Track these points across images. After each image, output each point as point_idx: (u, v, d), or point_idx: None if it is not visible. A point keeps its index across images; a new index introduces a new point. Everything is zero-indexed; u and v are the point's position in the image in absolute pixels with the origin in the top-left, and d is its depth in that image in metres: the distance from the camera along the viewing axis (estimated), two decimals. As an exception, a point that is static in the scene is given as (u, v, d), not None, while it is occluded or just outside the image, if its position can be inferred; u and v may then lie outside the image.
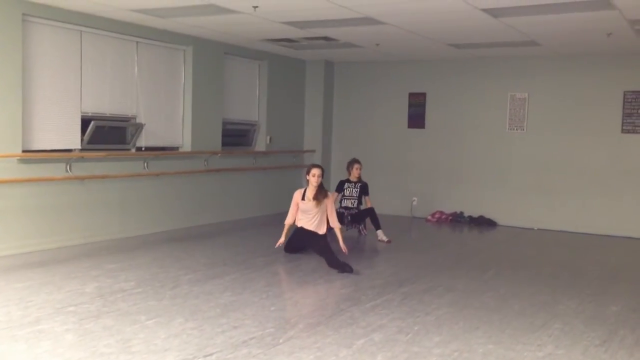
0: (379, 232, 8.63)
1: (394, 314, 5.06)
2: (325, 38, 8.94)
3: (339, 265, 6.52)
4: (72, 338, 4.28)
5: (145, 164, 8.45)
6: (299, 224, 7.31)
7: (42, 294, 5.37)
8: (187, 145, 9.22)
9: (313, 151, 11.62)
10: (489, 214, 10.45)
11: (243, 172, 10.27)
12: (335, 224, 7.31)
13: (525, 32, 7.96)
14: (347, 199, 8.95)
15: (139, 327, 4.54)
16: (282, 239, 7.39)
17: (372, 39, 8.91)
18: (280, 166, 11.09)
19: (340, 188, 9.02)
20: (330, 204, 7.31)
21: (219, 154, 9.69)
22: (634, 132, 9.48)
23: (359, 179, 9.00)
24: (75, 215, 7.59)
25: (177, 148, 9.18)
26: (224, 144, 9.89)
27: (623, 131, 9.56)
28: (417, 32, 8.26)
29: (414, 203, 11.11)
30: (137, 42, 8.38)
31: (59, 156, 7.37)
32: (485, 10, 6.75)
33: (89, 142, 7.80)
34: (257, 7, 6.87)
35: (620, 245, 8.95)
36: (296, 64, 11.37)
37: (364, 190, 8.95)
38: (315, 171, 7.23)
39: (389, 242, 8.48)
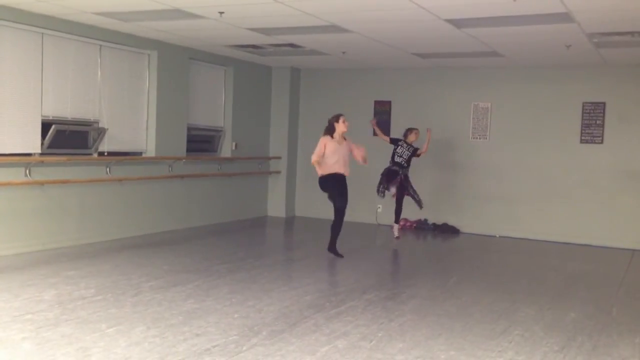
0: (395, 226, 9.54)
1: (357, 321, 5.07)
2: (291, 45, 8.95)
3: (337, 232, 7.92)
4: (29, 347, 4.18)
5: (108, 169, 8.32)
6: (331, 170, 7.76)
7: (-1, 301, 5.24)
8: (150, 151, 9.11)
9: (279, 158, 11.61)
10: (452, 221, 10.57)
11: (208, 178, 10.20)
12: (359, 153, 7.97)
13: (488, 43, 8.10)
14: (398, 155, 9.41)
15: (98, 335, 4.46)
16: (316, 158, 7.81)
17: (338, 47, 8.96)
18: (246, 173, 11.05)
19: (395, 142, 9.50)
20: (353, 146, 7.97)
21: (184, 160, 9.61)
22: (592, 142, 9.71)
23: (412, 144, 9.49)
24: (34, 221, 7.42)
25: (140, 153, 9.07)
26: (188, 149, 9.81)
27: (582, 141, 9.79)
28: (383, 41, 8.34)
29: (379, 210, 11.18)
30: (100, 46, 8.27)
31: (18, 160, 7.20)
32: (448, 21, 6.85)
33: (50, 147, 7.65)
34: (223, 12, 6.85)
35: (578, 252, 9.15)
36: (262, 70, 11.36)
37: (414, 152, 9.46)
38: (344, 119, 7.92)
39: (397, 238, 9.47)
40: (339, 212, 7.82)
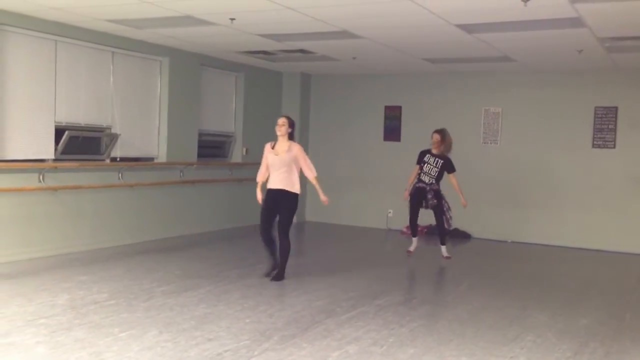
0: (443, 248, 8.46)
1: (368, 326, 5.07)
2: (302, 51, 8.99)
3: (282, 258, 6.61)
4: (43, 351, 4.21)
5: (120, 175, 8.38)
6: (267, 186, 6.68)
7: (13, 306, 5.28)
8: (162, 156, 9.17)
9: (289, 163, 11.62)
10: (463, 226, 10.53)
11: (219, 183, 10.24)
12: (309, 174, 6.68)
13: (499, 48, 8.09)
14: (425, 173, 8.30)
15: (111, 339, 4.49)
16: (259, 196, 6.78)
17: (349, 53, 8.98)
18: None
19: (420, 159, 8.39)
20: (301, 155, 6.64)
21: (195, 165, 9.65)
22: (605, 147, 9.67)
23: (442, 154, 8.32)
24: (48, 226, 7.48)
25: (152, 159, 9.13)
26: (199, 155, 9.86)
27: (594, 146, 9.74)
28: (393, 47, 8.35)
29: (390, 215, 11.16)
30: (112, 52, 8.34)
31: (32, 166, 7.27)
32: (459, 26, 6.86)
33: (63, 152, 7.72)
34: (234, 19, 6.90)
35: (590, 258, 9.09)
36: (273, 76, 11.40)
37: (447, 166, 8.25)
38: (279, 120, 6.64)
39: (448, 258, 8.40)
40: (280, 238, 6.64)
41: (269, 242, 6.70)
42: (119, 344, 4.40)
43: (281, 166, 6.56)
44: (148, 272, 6.82)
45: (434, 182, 8.30)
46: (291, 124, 6.67)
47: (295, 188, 6.61)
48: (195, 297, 5.78)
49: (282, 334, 4.76)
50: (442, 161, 8.28)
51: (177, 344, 4.44)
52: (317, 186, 6.73)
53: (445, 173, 8.34)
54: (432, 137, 8.41)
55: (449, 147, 8.37)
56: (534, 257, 9.01)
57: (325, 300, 5.90)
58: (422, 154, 8.43)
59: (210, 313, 5.28)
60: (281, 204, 6.57)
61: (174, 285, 6.23)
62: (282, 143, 6.62)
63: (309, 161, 6.72)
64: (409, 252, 8.63)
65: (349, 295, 6.13)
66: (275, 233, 6.68)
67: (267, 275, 6.72)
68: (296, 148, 6.63)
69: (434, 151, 8.34)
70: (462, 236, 10.42)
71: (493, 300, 6.18)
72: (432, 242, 10.00)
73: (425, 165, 8.31)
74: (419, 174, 8.37)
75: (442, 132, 8.37)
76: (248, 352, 4.32)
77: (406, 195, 8.43)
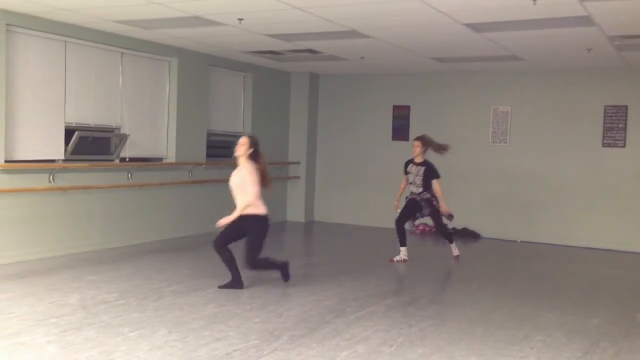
0: (452, 246, 8.33)
1: (377, 326, 5.07)
2: (310, 50, 8.99)
3: (265, 270, 6.41)
4: (54, 350, 4.24)
5: (129, 175, 8.41)
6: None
7: (24, 305, 5.31)
8: (171, 156, 9.20)
9: (297, 163, 11.64)
10: (472, 226, 10.51)
11: (227, 183, 10.22)
12: (244, 197, 6.12)
13: (508, 47, 8.07)
14: (411, 184, 8.04)
15: (121, 339, 4.51)
16: None
17: (357, 52, 8.97)
18: (265, 178, 11.07)
19: (405, 170, 8.16)
20: (247, 175, 6.11)
21: (204, 165, 9.68)
22: (615, 145, 9.61)
23: (424, 161, 8.05)
24: (58, 226, 7.52)
25: (161, 159, 9.16)
26: (208, 155, 9.88)
27: (604, 145, 9.69)
28: (401, 46, 8.34)
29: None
30: (121, 53, 8.37)
31: (42, 167, 7.31)
32: (467, 25, 6.84)
33: (73, 153, 7.76)
34: (242, 19, 6.91)
35: (601, 257, 9.04)
36: (281, 76, 11.41)
37: (429, 173, 7.94)
38: (240, 140, 6.26)
39: (458, 256, 8.30)
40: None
41: (225, 257, 6.17)
42: (128, 343, 4.42)
43: (236, 189, 6.19)
44: (157, 272, 6.84)
45: (422, 190, 7.99)
46: (252, 144, 6.20)
47: (258, 210, 6.12)
48: (204, 297, 5.80)
49: (291, 334, 4.77)
50: (423, 168, 7.99)
51: (186, 344, 4.45)
52: (238, 210, 6.17)
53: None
54: (413, 146, 8.17)
55: (440, 148, 8.08)
56: (543, 257, 8.97)
57: (334, 300, 5.90)
58: (406, 164, 8.20)
59: (219, 313, 5.29)
60: (246, 230, 6.12)
61: (183, 285, 6.25)
62: (241, 164, 6.22)
63: (250, 185, 6.09)
64: (391, 260, 8.08)
65: (357, 295, 6.13)
66: (231, 246, 6.24)
67: (221, 286, 6.18)
68: (245, 169, 6.13)
69: (416, 160, 8.08)
70: (471, 236, 10.39)
71: (502, 299, 6.16)
72: (440, 242, 9.99)
73: (409, 175, 8.10)
74: (409, 185, 8.13)
75: (422, 139, 8.11)
76: (257, 352, 4.33)
77: (396, 204, 8.21)
